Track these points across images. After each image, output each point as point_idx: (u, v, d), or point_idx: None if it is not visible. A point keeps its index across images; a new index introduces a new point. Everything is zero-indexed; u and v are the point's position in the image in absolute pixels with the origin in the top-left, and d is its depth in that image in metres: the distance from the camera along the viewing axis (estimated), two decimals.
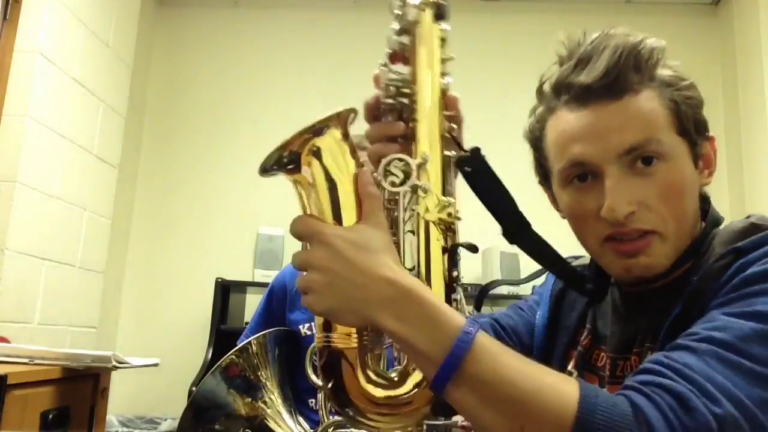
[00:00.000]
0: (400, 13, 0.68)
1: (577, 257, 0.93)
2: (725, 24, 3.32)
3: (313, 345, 0.65)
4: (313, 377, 0.67)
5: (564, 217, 0.84)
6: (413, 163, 0.63)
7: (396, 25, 0.68)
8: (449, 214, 0.64)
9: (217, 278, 2.86)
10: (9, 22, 2.33)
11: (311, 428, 1.07)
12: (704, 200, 0.78)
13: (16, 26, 2.33)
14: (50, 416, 1.35)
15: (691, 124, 0.73)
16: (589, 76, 0.73)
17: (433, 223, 0.63)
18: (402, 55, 0.68)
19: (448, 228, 0.65)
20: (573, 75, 0.75)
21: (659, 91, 0.72)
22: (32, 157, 2.31)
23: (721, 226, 0.76)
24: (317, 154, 0.62)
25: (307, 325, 1.58)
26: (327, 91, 3.39)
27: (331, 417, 0.92)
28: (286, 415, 1.21)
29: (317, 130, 0.62)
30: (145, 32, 3.32)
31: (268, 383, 1.22)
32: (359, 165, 0.63)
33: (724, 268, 0.66)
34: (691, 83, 0.74)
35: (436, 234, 0.64)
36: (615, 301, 0.83)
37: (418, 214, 0.63)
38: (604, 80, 0.71)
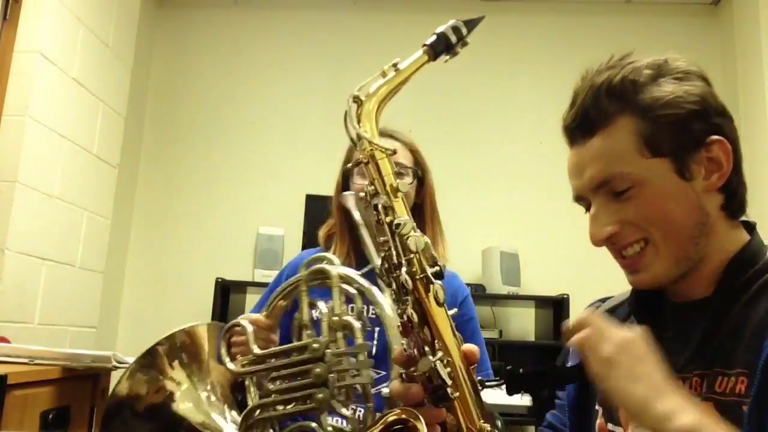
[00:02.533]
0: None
1: (605, 299, 0.97)
2: (725, 24, 3.32)
3: None
4: None
5: None
6: None
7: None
8: None
9: (217, 278, 2.86)
10: (9, 22, 2.33)
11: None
12: (736, 208, 0.82)
13: (16, 26, 2.33)
14: (50, 416, 1.35)
15: (670, 143, 0.77)
16: (567, 119, 0.83)
17: None
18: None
19: None
20: (565, 117, 0.84)
21: (637, 117, 0.77)
22: (32, 157, 2.31)
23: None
24: None
25: None
26: (327, 91, 3.39)
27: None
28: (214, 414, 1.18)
29: None
30: (145, 32, 3.32)
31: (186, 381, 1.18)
32: None
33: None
34: (671, 100, 0.77)
35: None
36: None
37: None
38: (574, 122, 0.81)
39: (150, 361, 1.14)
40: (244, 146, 3.36)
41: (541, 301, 3.04)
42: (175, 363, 1.16)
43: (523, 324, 3.22)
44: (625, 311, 0.90)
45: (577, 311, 3.01)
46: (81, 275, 2.65)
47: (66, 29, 2.51)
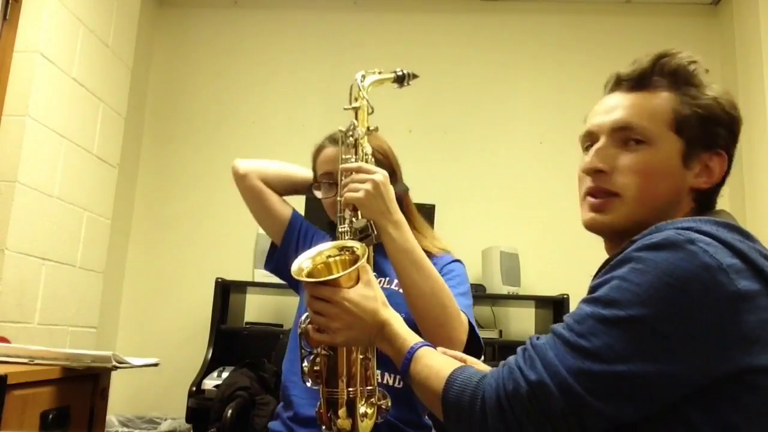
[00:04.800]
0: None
1: None
2: (725, 24, 3.32)
3: None
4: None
5: None
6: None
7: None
8: None
9: (217, 278, 2.86)
10: (9, 22, 2.33)
11: None
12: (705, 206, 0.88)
13: (16, 26, 2.33)
14: (50, 416, 1.35)
15: (693, 130, 0.86)
16: (624, 70, 0.91)
17: None
18: None
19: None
20: (622, 70, 0.93)
21: (680, 98, 0.86)
22: (32, 157, 2.31)
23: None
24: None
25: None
26: (327, 91, 3.39)
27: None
28: None
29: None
30: (145, 32, 3.32)
31: None
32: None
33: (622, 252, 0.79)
34: (711, 102, 0.86)
35: None
36: None
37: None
38: (630, 74, 0.90)
39: None
40: (244, 146, 3.36)
41: (541, 301, 3.04)
42: None
43: (523, 324, 3.22)
44: None
45: None
46: (81, 275, 2.65)
47: (66, 29, 2.51)
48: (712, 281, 0.70)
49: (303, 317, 1.05)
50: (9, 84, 2.29)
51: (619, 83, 0.91)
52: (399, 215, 1.24)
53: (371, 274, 1.00)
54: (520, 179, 3.27)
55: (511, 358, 0.80)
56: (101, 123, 2.78)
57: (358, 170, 1.21)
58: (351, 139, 1.24)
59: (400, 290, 1.34)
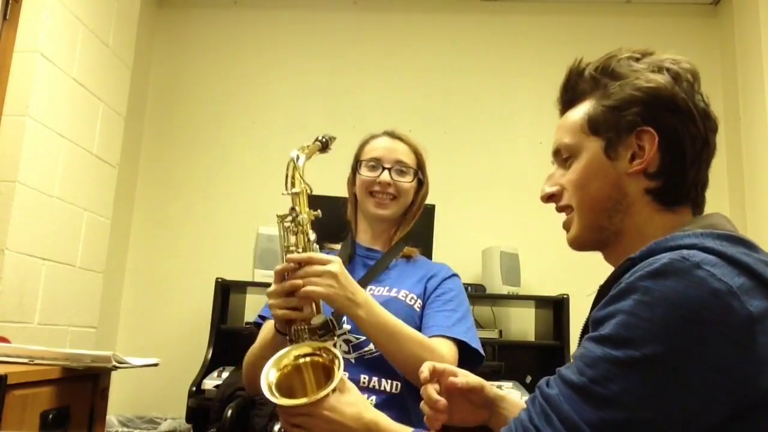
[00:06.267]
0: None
1: None
2: (725, 24, 3.32)
3: None
4: None
5: None
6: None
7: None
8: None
9: (217, 278, 2.86)
10: (9, 22, 2.33)
11: None
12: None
13: (16, 26, 2.33)
14: (50, 416, 1.34)
15: (606, 124, 0.88)
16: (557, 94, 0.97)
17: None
18: None
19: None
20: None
21: (594, 100, 0.90)
22: (32, 157, 2.31)
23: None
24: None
25: None
26: (327, 91, 3.40)
27: None
28: None
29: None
30: (145, 32, 3.32)
31: None
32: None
33: (619, 276, 0.76)
34: (618, 88, 0.87)
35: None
36: None
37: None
38: (560, 97, 0.97)
39: None
40: (243, 146, 3.36)
41: (541, 301, 3.04)
42: None
43: (523, 324, 3.22)
44: None
45: (577, 311, 3.01)
46: (81, 275, 2.65)
47: (66, 29, 2.51)
48: (724, 308, 0.66)
49: (277, 428, 1.03)
50: (9, 84, 2.29)
51: (560, 109, 0.97)
52: (362, 294, 1.23)
53: (345, 378, 1.00)
54: (521, 179, 3.27)
55: (523, 414, 0.75)
56: (101, 123, 2.78)
57: (309, 261, 1.17)
58: (293, 225, 1.20)
59: (399, 297, 1.38)
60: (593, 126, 0.89)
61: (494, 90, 3.40)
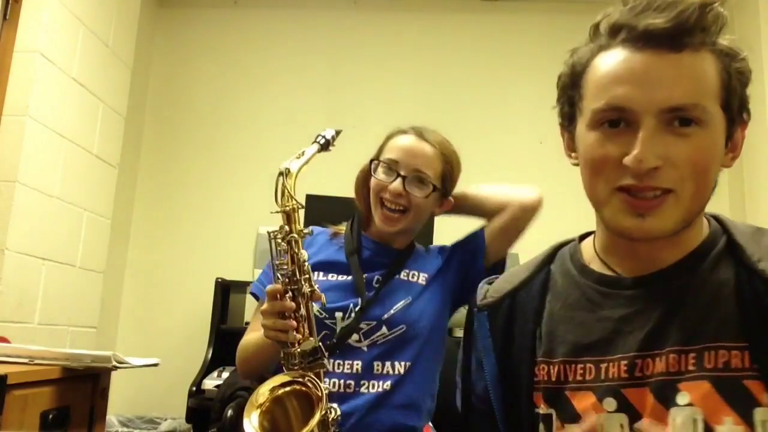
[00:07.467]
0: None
1: (491, 281, 0.96)
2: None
3: None
4: None
5: (575, 164, 0.82)
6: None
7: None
8: None
9: (217, 278, 2.86)
10: (9, 22, 2.33)
11: None
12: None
13: (16, 26, 2.33)
14: (50, 416, 1.35)
15: (736, 101, 0.72)
16: (658, 19, 0.69)
17: None
18: None
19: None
20: (640, 16, 0.71)
21: (717, 58, 0.71)
22: (32, 157, 2.31)
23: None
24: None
25: None
26: (326, 91, 3.39)
27: None
28: None
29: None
30: (145, 32, 3.32)
31: None
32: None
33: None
34: (744, 57, 0.73)
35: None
36: (586, 295, 0.80)
37: None
38: (671, 28, 0.68)
39: None
40: (244, 146, 3.36)
41: None
42: None
43: None
44: (536, 289, 0.86)
45: None
46: (81, 275, 2.65)
47: (66, 29, 2.51)
48: None
49: None
50: (9, 84, 2.29)
51: (656, 37, 0.69)
52: None
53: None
54: (520, 179, 3.26)
55: None
56: (101, 123, 2.78)
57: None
58: (284, 243, 1.16)
59: (410, 279, 1.41)
60: (726, 99, 0.71)
61: (494, 90, 3.40)
